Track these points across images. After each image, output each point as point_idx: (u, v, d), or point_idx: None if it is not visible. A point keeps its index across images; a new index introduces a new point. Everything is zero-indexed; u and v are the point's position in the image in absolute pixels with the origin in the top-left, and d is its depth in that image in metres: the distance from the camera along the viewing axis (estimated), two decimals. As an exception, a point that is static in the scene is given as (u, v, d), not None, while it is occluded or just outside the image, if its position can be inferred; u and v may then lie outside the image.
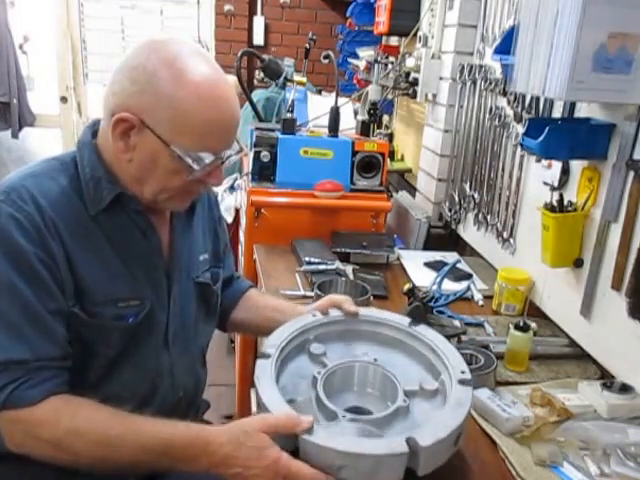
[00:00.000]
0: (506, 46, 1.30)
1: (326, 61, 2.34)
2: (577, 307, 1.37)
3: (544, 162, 1.53)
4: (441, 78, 2.24)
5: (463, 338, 1.37)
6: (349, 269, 1.75)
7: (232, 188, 2.82)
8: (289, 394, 0.95)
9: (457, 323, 1.48)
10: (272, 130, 2.07)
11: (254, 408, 0.91)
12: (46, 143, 4.21)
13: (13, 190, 0.92)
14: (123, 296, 0.99)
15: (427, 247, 2.15)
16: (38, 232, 0.90)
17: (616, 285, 1.23)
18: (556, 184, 1.46)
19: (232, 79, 2.07)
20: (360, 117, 2.36)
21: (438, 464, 0.85)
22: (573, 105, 1.40)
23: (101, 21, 4.04)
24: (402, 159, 3.06)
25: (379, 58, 2.64)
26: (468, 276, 1.80)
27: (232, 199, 2.77)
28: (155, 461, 0.87)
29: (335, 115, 2.08)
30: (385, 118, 3.28)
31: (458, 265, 1.87)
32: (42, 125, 4.11)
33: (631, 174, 1.20)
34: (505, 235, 1.76)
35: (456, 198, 2.09)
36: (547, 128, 1.25)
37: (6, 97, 3.76)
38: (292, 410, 0.86)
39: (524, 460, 0.99)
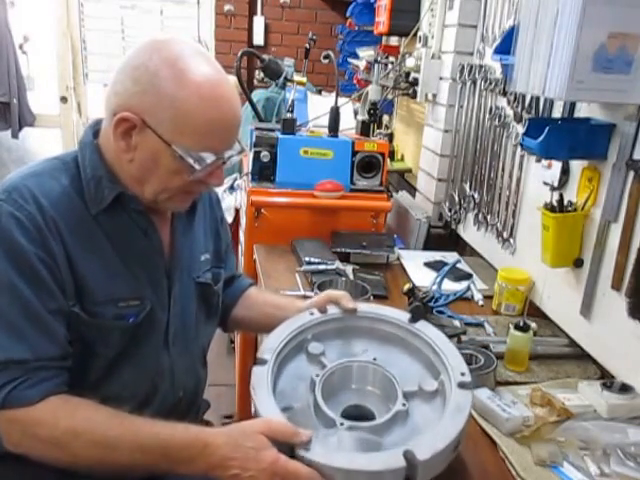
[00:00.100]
0: (506, 46, 1.31)
1: (326, 61, 2.34)
2: (577, 307, 1.37)
3: (544, 162, 1.53)
4: (441, 78, 2.24)
5: (463, 338, 1.37)
6: (349, 269, 1.75)
7: (232, 188, 2.82)
8: (287, 399, 0.95)
9: (457, 323, 1.49)
10: (272, 130, 2.07)
11: (254, 409, 0.91)
12: (46, 143, 4.21)
13: (15, 189, 0.92)
14: (123, 296, 0.99)
15: (427, 247, 2.15)
16: (39, 232, 0.90)
17: (616, 285, 1.24)
18: (556, 184, 1.46)
19: (232, 79, 2.07)
20: (360, 117, 2.36)
21: (437, 473, 0.85)
22: (573, 105, 1.40)
23: (101, 21, 4.04)
24: (402, 159, 3.06)
25: (379, 58, 2.64)
26: (468, 276, 1.80)
27: (232, 199, 2.77)
28: (153, 462, 0.87)
29: (335, 115, 2.08)
30: (385, 118, 3.28)
31: (458, 265, 1.87)
32: (42, 125, 4.11)
33: (631, 174, 1.20)
34: (505, 235, 1.76)
35: (456, 198, 2.09)
36: (547, 128, 1.25)
37: (6, 97, 3.76)
38: (289, 422, 0.86)
39: (524, 460, 0.99)
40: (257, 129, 2.07)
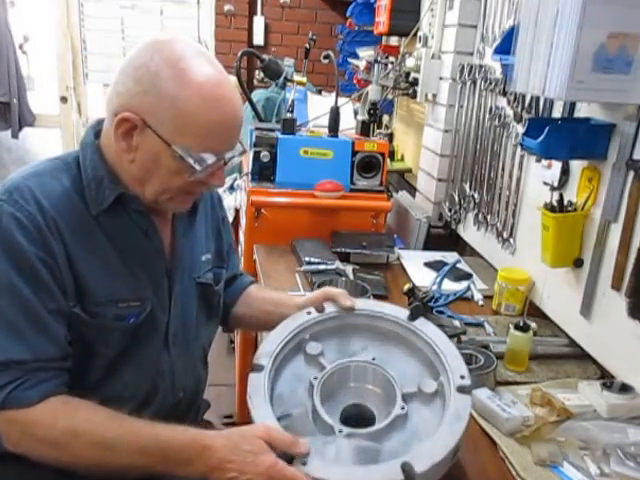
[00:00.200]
0: (506, 46, 1.31)
1: (326, 61, 2.34)
2: (577, 307, 1.37)
3: (544, 162, 1.53)
4: (441, 78, 2.24)
5: (463, 338, 1.37)
6: (349, 269, 1.75)
7: (232, 188, 2.82)
8: (286, 404, 0.95)
9: (457, 323, 1.49)
10: (272, 130, 2.07)
11: (251, 418, 0.91)
12: (46, 143, 4.21)
13: (16, 190, 0.92)
14: (124, 296, 0.99)
15: (427, 247, 2.15)
16: (39, 232, 0.90)
17: (616, 285, 1.24)
18: (556, 184, 1.46)
19: (232, 79, 2.07)
20: (360, 117, 2.36)
21: None
22: (573, 105, 1.40)
23: (101, 21, 4.04)
24: (402, 159, 3.06)
25: (379, 58, 2.64)
26: (468, 276, 1.80)
27: (232, 199, 2.77)
28: (152, 464, 0.87)
29: (335, 115, 2.08)
30: (385, 118, 3.28)
31: (458, 265, 1.87)
32: (42, 125, 4.11)
33: (631, 174, 1.20)
34: (505, 235, 1.76)
35: (456, 198, 2.09)
36: (547, 128, 1.25)
37: (6, 97, 3.76)
38: (287, 431, 0.86)
39: (524, 460, 0.99)
40: (257, 129, 2.07)
